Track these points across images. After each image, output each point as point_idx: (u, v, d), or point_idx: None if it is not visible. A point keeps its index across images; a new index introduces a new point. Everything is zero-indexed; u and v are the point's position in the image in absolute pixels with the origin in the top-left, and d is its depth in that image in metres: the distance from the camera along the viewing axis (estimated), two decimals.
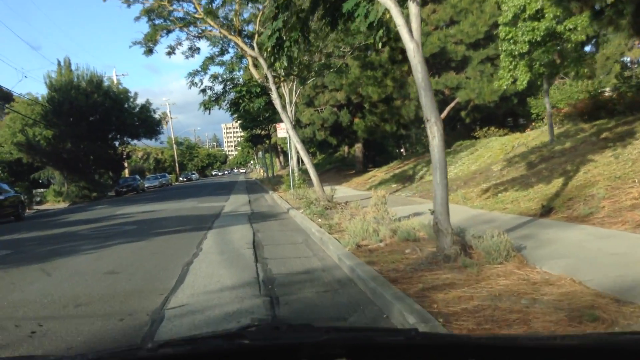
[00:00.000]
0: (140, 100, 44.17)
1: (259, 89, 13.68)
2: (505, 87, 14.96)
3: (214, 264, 6.89)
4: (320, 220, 10.75)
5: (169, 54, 15.27)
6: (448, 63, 22.39)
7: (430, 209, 6.03)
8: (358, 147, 32.71)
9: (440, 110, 23.62)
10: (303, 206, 14.05)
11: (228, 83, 14.16)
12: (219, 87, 14.10)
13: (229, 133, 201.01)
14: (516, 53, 14.14)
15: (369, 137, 27.69)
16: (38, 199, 36.68)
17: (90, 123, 36.51)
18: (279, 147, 66.68)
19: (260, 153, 67.62)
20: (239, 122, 39.46)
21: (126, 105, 41.43)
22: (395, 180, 20.19)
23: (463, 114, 23.80)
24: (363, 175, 27.65)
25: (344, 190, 20.26)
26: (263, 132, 40.78)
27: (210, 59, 14.41)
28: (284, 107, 14.03)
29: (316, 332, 1.44)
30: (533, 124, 22.36)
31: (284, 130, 19.69)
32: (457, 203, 11.17)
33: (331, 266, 6.54)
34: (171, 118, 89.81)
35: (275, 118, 38.35)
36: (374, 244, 7.45)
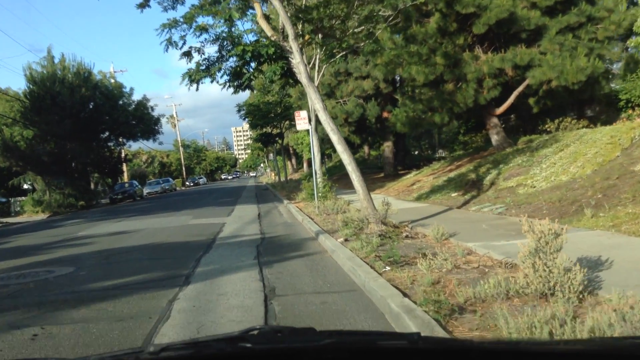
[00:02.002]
0: (137, 97, 39.63)
1: (273, 49, 8.67)
2: None
3: None
4: (389, 269, 5.68)
5: (142, 6, 10.37)
6: (517, 34, 17.21)
7: None
8: (388, 147, 27.62)
9: (504, 98, 18.54)
10: (342, 230, 9.04)
11: (225, 42, 9.20)
12: (212, 51, 9.29)
13: (239, 136, 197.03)
14: None
15: (410, 132, 22.61)
16: (17, 208, 32.01)
17: (77, 121, 31.67)
18: (291, 148, 61.79)
19: (271, 155, 62.87)
20: (247, 119, 34.60)
21: (121, 102, 36.69)
22: (453, 187, 15.08)
23: (531, 101, 18.56)
24: (399, 180, 22.51)
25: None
26: (275, 131, 35.84)
27: (199, 9, 9.47)
28: (310, 78, 9.00)
29: (319, 336, 1.40)
30: (630, 111, 17.17)
31: (304, 120, 14.69)
32: None
33: None
34: (177, 120, 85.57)
35: (289, 114, 33.32)
36: None
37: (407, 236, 7.93)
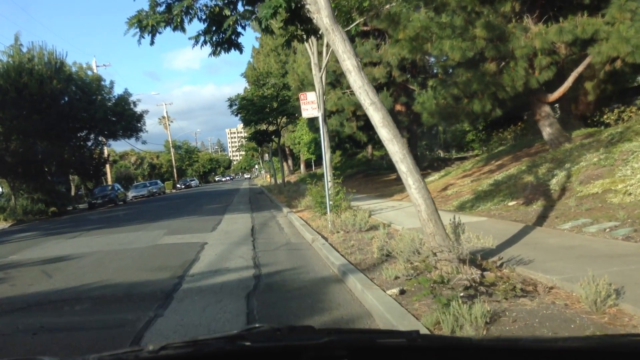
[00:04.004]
0: (119, 92, 35.93)
1: None
2: None
3: None
4: None
5: None
6: (574, 0, 13.73)
7: None
8: None
9: (556, 81, 14.93)
10: (385, 268, 5.49)
11: None
12: None
13: (233, 138, 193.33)
14: None
15: (442, 124, 19.09)
16: None
17: (47, 117, 28.00)
18: (287, 148, 58.20)
19: (266, 156, 59.31)
20: (239, 115, 30.95)
21: (99, 97, 32.95)
22: (507, 193, 11.55)
23: (589, 85, 15.08)
24: None
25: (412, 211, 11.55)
26: (270, 128, 32.21)
27: None
28: (334, 18, 5.42)
29: (317, 334, 1.39)
30: None
31: (312, 105, 11.11)
32: None
33: None
34: (169, 120, 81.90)
35: (286, 109, 29.74)
36: None
37: (521, 291, 4.35)
